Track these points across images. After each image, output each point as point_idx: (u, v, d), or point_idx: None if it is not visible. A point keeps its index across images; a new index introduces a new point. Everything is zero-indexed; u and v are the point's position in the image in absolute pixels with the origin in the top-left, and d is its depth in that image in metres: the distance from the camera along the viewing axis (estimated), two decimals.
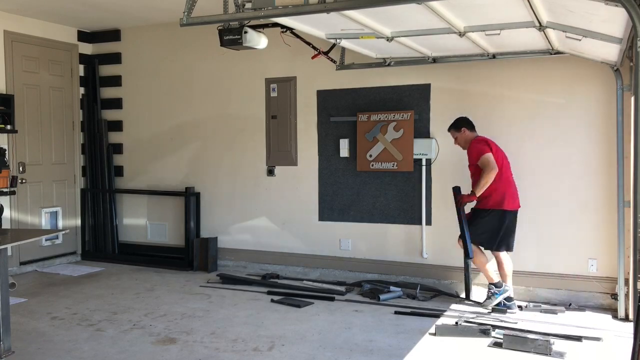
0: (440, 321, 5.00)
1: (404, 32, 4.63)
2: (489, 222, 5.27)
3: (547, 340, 4.31)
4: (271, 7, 3.70)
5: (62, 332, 4.82)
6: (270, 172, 6.90)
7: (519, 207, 5.38)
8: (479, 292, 5.84)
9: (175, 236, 7.38)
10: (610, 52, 4.61)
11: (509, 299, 5.28)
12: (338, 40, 4.97)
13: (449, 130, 5.57)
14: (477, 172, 5.29)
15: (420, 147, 6.03)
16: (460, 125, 5.48)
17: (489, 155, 5.18)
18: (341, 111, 6.47)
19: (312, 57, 5.80)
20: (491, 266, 5.36)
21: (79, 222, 7.75)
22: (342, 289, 6.04)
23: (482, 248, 5.37)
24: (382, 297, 5.64)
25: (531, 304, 5.47)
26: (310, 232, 6.67)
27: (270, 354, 4.32)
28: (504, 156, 5.35)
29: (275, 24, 5.01)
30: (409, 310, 5.33)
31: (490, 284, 5.33)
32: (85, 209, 7.73)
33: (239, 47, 4.95)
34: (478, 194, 5.20)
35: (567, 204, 5.57)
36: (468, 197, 5.29)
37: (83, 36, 7.74)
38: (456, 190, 5.45)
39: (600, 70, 5.34)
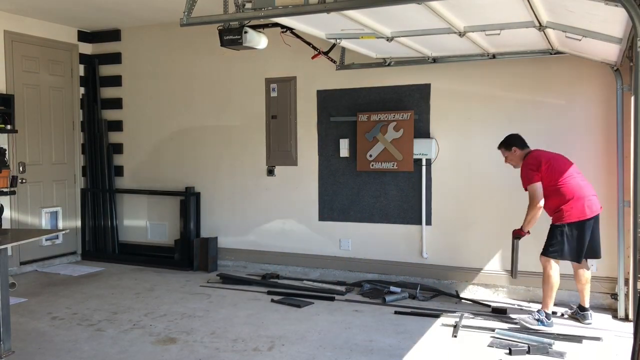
0: (440, 321, 5.00)
1: (404, 32, 4.63)
2: (564, 236, 4.83)
3: (547, 340, 4.32)
4: (271, 7, 3.71)
5: (63, 332, 4.82)
6: (270, 172, 6.90)
7: (596, 212, 4.87)
8: (478, 292, 5.85)
9: (175, 236, 7.38)
10: (610, 52, 4.61)
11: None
12: (338, 40, 4.97)
13: (499, 148, 5.11)
14: (548, 194, 4.82)
15: (420, 147, 6.03)
16: (511, 144, 5.02)
17: (535, 186, 4.78)
18: (341, 111, 6.47)
19: (312, 57, 5.80)
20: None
21: (79, 222, 7.75)
22: (342, 289, 6.04)
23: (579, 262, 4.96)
24: (387, 298, 5.60)
25: (531, 304, 5.47)
26: (310, 232, 6.67)
27: (270, 354, 4.32)
28: (563, 163, 4.90)
29: (275, 24, 5.01)
30: (409, 310, 5.33)
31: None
32: (85, 209, 7.73)
33: (239, 47, 4.95)
34: (525, 229, 4.92)
35: None
36: (519, 231, 4.99)
37: (83, 36, 7.74)
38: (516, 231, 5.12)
39: (600, 70, 5.33)
